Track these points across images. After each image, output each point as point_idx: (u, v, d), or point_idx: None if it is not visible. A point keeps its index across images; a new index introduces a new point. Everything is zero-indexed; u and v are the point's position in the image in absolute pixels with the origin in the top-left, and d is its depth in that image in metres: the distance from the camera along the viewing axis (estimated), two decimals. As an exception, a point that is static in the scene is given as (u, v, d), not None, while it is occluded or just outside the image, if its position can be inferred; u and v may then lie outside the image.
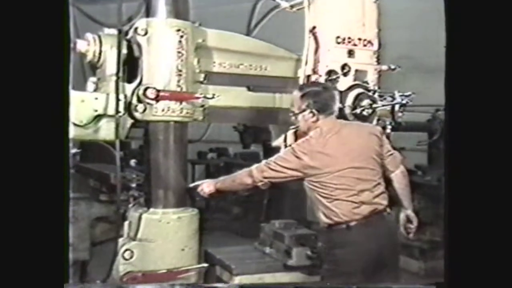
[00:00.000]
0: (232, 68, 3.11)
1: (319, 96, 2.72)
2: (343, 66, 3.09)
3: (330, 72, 3.06)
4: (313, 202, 2.73)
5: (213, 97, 2.97)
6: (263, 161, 2.75)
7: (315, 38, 3.05)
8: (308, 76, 3.06)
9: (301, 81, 3.06)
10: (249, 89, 3.16)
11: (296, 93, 2.77)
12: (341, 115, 2.92)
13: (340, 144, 2.68)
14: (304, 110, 2.72)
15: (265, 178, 2.71)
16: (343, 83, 3.06)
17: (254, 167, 2.75)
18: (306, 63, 3.07)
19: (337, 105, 2.80)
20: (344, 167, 2.63)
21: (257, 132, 6.28)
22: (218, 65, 3.09)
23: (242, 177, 2.81)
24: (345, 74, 3.09)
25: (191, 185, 2.98)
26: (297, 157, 2.63)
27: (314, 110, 2.70)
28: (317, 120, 2.71)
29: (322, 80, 3.01)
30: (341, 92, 3.00)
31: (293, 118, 2.80)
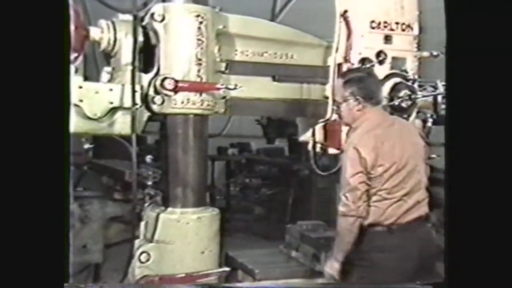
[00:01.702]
0: (256, 57, 3.11)
1: (364, 82, 2.73)
2: (379, 54, 3.06)
3: (363, 60, 3.04)
4: None
5: (235, 88, 2.97)
6: (341, 195, 2.64)
7: (347, 23, 3.03)
8: (339, 65, 3.05)
9: (331, 70, 3.04)
10: (274, 79, 3.15)
11: (339, 81, 2.79)
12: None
13: (398, 139, 2.68)
14: (347, 99, 2.72)
15: (356, 202, 2.59)
16: (379, 72, 3.03)
17: (339, 207, 2.62)
18: (337, 50, 3.05)
19: (382, 94, 2.80)
20: (400, 166, 2.63)
21: (282, 126, 6.27)
22: (241, 53, 3.09)
23: (342, 228, 2.66)
24: (380, 62, 3.05)
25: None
26: (361, 157, 2.60)
27: (359, 97, 2.70)
28: (363, 108, 2.71)
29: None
30: (375, 81, 2.97)
31: (335, 108, 2.82)
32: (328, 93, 3.11)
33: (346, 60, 3.05)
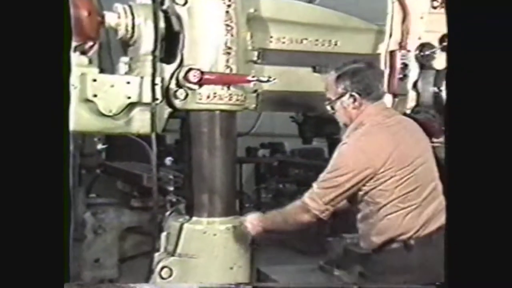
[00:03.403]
0: (293, 44, 3.12)
1: (359, 75, 2.66)
2: (442, 38, 3.01)
3: (423, 46, 2.99)
4: (363, 221, 2.68)
5: (269, 80, 2.96)
6: (314, 185, 2.66)
7: (402, 4, 3.00)
8: (392, 52, 3.00)
9: (382, 58, 3.01)
10: (314, 69, 3.15)
11: (331, 75, 2.72)
12: (437, 101, 2.86)
13: (406, 138, 2.64)
14: (342, 95, 2.68)
15: (327, 203, 2.61)
16: (442, 59, 2.99)
17: (305, 198, 2.65)
18: (390, 35, 3.02)
19: (383, 87, 2.74)
20: (412, 168, 2.57)
21: (320, 124, 6.24)
22: (276, 40, 3.10)
23: (296, 216, 2.72)
24: (444, 49, 3.00)
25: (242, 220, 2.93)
26: (362, 159, 2.56)
27: (354, 93, 2.65)
28: (360, 105, 2.66)
29: (412, 56, 2.94)
30: (437, 71, 2.92)
31: (329, 107, 2.75)
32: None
33: (402, 46, 3.00)
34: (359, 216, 2.71)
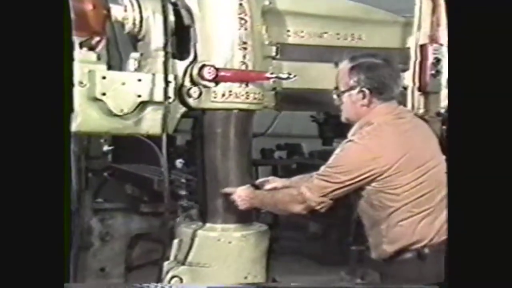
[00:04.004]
0: (313, 38, 3.14)
1: (375, 71, 2.66)
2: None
3: (456, 40, 2.99)
4: (373, 227, 2.70)
5: (288, 78, 2.98)
6: (313, 175, 2.71)
7: (431, -8, 3.00)
8: (423, 46, 2.99)
9: (412, 53, 3.00)
10: (336, 65, 3.13)
11: (345, 64, 2.73)
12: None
13: (419, 138, 2.66)
14: (352, 88, 2.68)
15: (325, 196, 2.65)
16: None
17: (302, 187, 2.69)
18: (419, 28, 3.01)
19: (399, 88, 2.73)
20: (425, 170, 2.59)
21: (342, 124, 6.24)
22: (294, 34, 3.12)
23: (288, 204, 2.76)
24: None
25: (227, 190, 2.98)
26: (369, 160, 2.58)
27: (365, 89, 2.66)
28: (369, 103, 2.67)
29: (444, 51, 2.93)
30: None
31: (336, 97, 2.76)
32: (408, 82, 3.07)
33: (433, 39, 2.99)
34: (368, 222, 2.73)
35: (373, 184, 2.60)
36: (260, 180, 3.09)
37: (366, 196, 2.66)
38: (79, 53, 2.71)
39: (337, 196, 2.66)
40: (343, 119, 2.80)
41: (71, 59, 2.57)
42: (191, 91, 2.88)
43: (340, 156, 2.67)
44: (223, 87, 2.91)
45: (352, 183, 2.61)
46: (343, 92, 2.71)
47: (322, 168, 2.68)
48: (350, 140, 2.67)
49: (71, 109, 2.63)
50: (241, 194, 2.91)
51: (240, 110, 2.97)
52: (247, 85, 2.93)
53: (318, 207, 2.68)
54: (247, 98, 2.95)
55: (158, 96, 2.80)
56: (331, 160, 2.68)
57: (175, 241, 3.01)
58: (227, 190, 2.96)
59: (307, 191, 2.66)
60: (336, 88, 2.76)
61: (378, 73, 2.66)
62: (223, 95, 2.91)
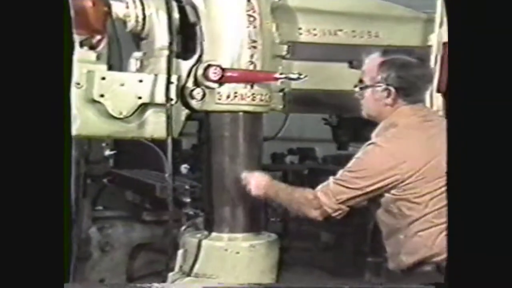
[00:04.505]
0: (327, 36, 3.15)
1: (407, 70, 2.64)
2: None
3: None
4: (391, 236, 2.70)
5: (298, 78, 2.99)
6: (330, 180, 2.69)
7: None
8: (445, 44, 2.98)
9: (434, 51, 2.98)
10: (351, 65, 3.17)
11: (375, 57, 2.70)
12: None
13: (443, 144, 2.65)
14: (377, 84, 2.66)
15: (342, 202, 2.65)
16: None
17: (318, 192, 2.68)
18: (441, 24, 3.01)
19: (426, 92, 2.72)
20: (443, 182, 2.52)
21: (358, 126, 6.21)
22: (306, 32, 3.14)
23: (303, 206, 2.74)
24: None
25: (245, 174, 2.95)
26: (384, 161, 2.59)
27: (391, 88, 2.64)
28: (394, 103, 2.66)
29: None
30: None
31: (357, 90, 2.74)
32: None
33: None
34: (385, 231, 2.73)
35: (394, 191, 2.60)
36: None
37: (385, 203, 2.66)
38: (78, 53, 2.73)
39: (355, 204, 2.66)
40: (363, 114, 2.79)
41: (71, 59, 2.61)
42: (194, 93, 2.91)
43: (361, 160, 2.66)
44: (227, 88, 2.93)
45: (372, 190, 2.61)
46: (367, 86, 2.70)
47: (340, 172, 2.68)
48: (373, 143, 2.67)
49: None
50: (258, 179, 2.90)
51: (247, 112, 2.99)
52: (252, 86, 2.95)
53: (334, 214, 2.68)
54: (253, 100, 2.97)
55: (160, 97, 2.83)
56: (351, 163, 2.68)
57: (180, 252, 3.04)
58: (245, 174, 2.94)
59: (323, 196, 2.66)
60: (361, 80, 2.74)
61: (411, 73, 2.64)
62: (228, 96, 2.94)
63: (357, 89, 2.75)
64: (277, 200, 2.95)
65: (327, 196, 2.65)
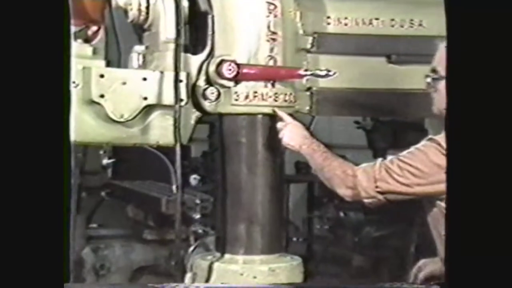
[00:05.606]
0: (359, 26, 3.15)
1: None
2: None
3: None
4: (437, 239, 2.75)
5: (327, 75, 2.99)
6: (378, 161, 2.75)
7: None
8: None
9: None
10: (389, 59, 3.19)
11: None
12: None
13: None
14: None
15: (382, 193, 2.71)
16: None
17: (359, 170, 2.73)
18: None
19: None
20: None
21: (397, 131, 6.22)
22: (335, 21, 3.14)
23: (334, 179, 2.81)
24: None
25: (279, 112, 2.98)
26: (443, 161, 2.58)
27: None
28: None
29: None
30: None
31: (428, 82, 2.77)
32: None
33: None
34: (437, 232, 2.77)
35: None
36: None
37: (441, 204, 2.68)
38: (71, 46, 2.75)
39: (395, 199, 2.71)
40: (435, 110, 2.81)
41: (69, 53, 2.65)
42: (208, 92, 2.93)
43: (417, 154, 2.71)
44: (245, 87, 2.95)
45: (421, 191, 2.67)
46: (443, 78, 2.69)
47: (391, 158, 2.73)
48: (432, 139, 2.72)
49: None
50: (294, 129, 2.95)
51: (267, 115, 3.01)
52: (273, 84, 2.97)
53: (367, 201, 2.74)
54: (276, 101, 2.99)
55: (167, 98, 2.86)
56: (406, 153, 2.73)
57: (188, 276, 3.05)
58: (279, 112, 2.97)
59: (364, 176, 2.71)
60: (433, 70, 2.77)
61: None
62: (246, 97, 2.96)
63: (428, 79, 2.79)
64: (310, 161, 2.99)
65: (368, 178, 2.71)
